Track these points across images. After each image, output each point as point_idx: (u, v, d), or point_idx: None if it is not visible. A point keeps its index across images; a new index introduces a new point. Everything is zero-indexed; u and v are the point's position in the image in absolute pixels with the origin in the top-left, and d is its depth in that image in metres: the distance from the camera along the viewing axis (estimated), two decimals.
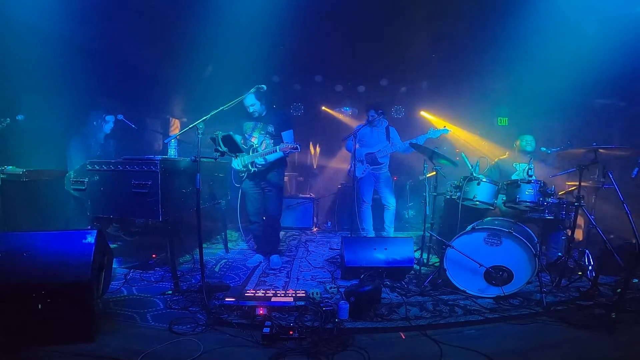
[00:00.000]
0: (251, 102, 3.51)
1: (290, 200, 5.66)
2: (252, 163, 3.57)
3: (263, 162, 3.55)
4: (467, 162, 3.65)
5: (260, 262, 3.82)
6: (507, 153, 4.26)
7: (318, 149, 7.86)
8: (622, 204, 2.75)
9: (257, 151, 3.57)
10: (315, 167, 7.74)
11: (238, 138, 3.67)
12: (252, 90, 3.20)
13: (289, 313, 2.56)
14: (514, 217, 3.46)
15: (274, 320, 2.35)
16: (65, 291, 2.10)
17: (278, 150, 3.35)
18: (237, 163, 3.65)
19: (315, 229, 5.73)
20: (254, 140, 3.65)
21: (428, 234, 3.61)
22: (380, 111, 4.50)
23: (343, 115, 7.86)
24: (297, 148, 3.30)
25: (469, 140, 6.74)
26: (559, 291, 3.09)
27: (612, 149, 3.02)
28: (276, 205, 3.76)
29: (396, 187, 5.18)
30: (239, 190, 3.80)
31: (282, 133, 3.64)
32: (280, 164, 3.74)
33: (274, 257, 3.74)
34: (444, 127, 4.17)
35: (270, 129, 3.63)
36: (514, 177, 3.86)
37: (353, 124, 7.27)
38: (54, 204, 3.33)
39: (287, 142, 3.37)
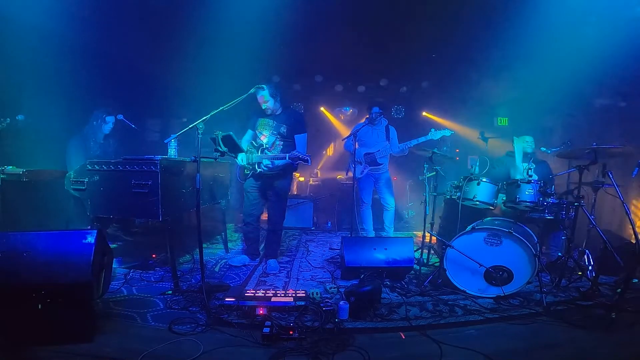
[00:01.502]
0: (264, 98, 3.44)
1: (290, 200, 5.62)
2: (259, 163, 3.46)
3: (270, 166, 3.42)
4: (518, 155, 3.67)
5: (245, 264, 3.75)
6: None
7: (318, 149, 7.85)
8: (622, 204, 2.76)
9: (266, 152, 3.49)
10: (315, 167, 7.74)
11: (250, 133, 3.64)
12: (252, 90, 3.19)
13: (289, 313, 2.56)
14: (514, 217, 3.46)
15: (274, 320, 2.35)
16: (65, 291, 2.10)
17: (287, 159, 3.24)
18: (242, 158, 3.52)
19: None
20: (264, 139, 3.54)
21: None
22: (380, 110, 4.49)
23: (343, 116, 7.87)
24: (307, 160, 3.18)
25: (468, 140, 6.72)
26: (559, 291, 3.10)
27: (611, 149, 3.02)
28: (280, 211, 3.70)
29: (396, 187, 5.18)
30: (241, 190, 3.71)
31: (295, 136, 3.53)
32: (288, 170, 3.60)
33: (272, 262, 3.68)
34: (446, 129, 4.11)
35: (283, 129, 3.52)
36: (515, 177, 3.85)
37: (353, 123, 7.26)
38: (54, 204, 3.32)
39: (299, 151, 3.24)
